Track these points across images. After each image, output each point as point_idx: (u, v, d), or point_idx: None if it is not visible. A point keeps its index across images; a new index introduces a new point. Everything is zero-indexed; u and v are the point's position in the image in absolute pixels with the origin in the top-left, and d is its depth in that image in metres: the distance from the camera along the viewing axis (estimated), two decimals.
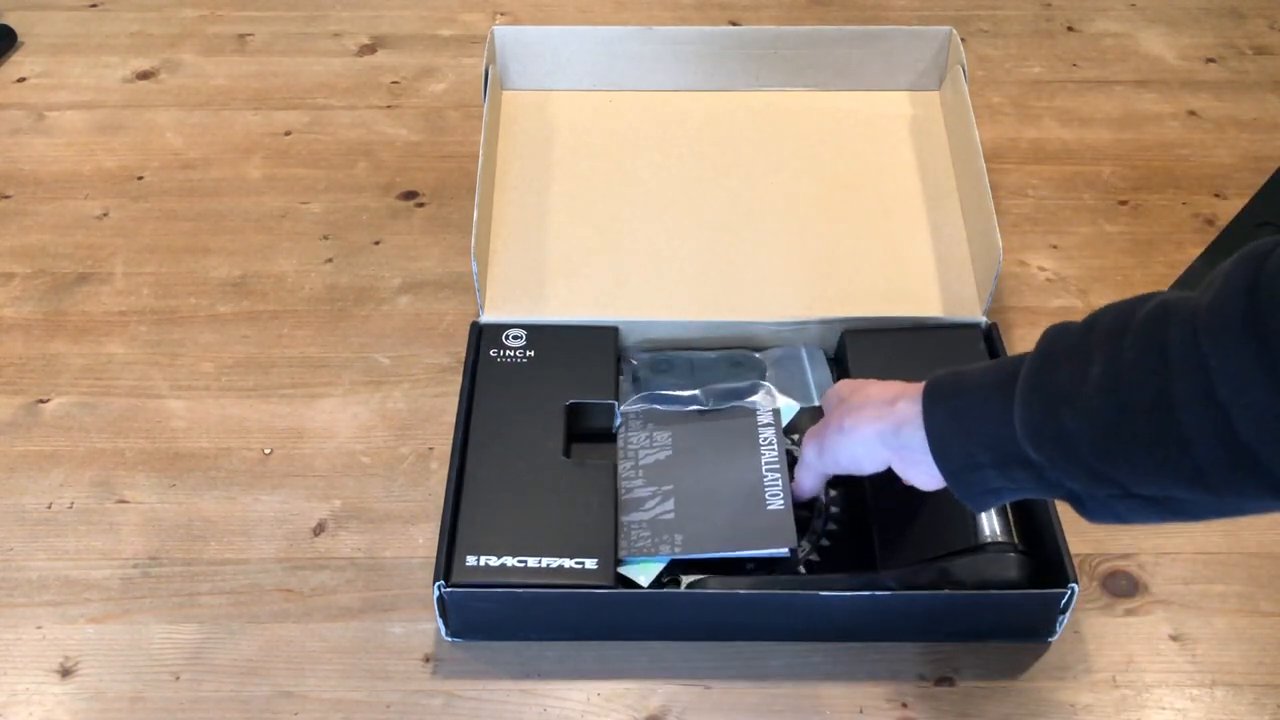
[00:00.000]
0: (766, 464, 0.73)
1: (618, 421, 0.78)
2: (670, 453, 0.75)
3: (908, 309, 0.82)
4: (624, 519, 0.71)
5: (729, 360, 0.82)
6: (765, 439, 0.75)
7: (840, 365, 0.82)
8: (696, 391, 0.78)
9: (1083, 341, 0.50)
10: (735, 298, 0.84)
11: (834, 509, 0.73)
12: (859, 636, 0.69)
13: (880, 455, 0.61)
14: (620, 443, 0.76)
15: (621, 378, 0.80)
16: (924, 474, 0.59)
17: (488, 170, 0.87)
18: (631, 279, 0.85)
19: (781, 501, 0.70)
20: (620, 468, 0.74)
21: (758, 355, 0.82)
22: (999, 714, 0.67)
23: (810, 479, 0.69)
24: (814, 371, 0.81)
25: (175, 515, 0.77)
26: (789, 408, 0.78)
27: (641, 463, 0.75)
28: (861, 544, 0.71)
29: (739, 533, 0.69)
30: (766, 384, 0.78)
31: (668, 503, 0.72)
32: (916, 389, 0.59)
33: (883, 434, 0.60)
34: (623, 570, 0.69)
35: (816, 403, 0.78)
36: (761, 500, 0.71)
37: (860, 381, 0.66)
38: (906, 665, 0.69)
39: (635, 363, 0.82)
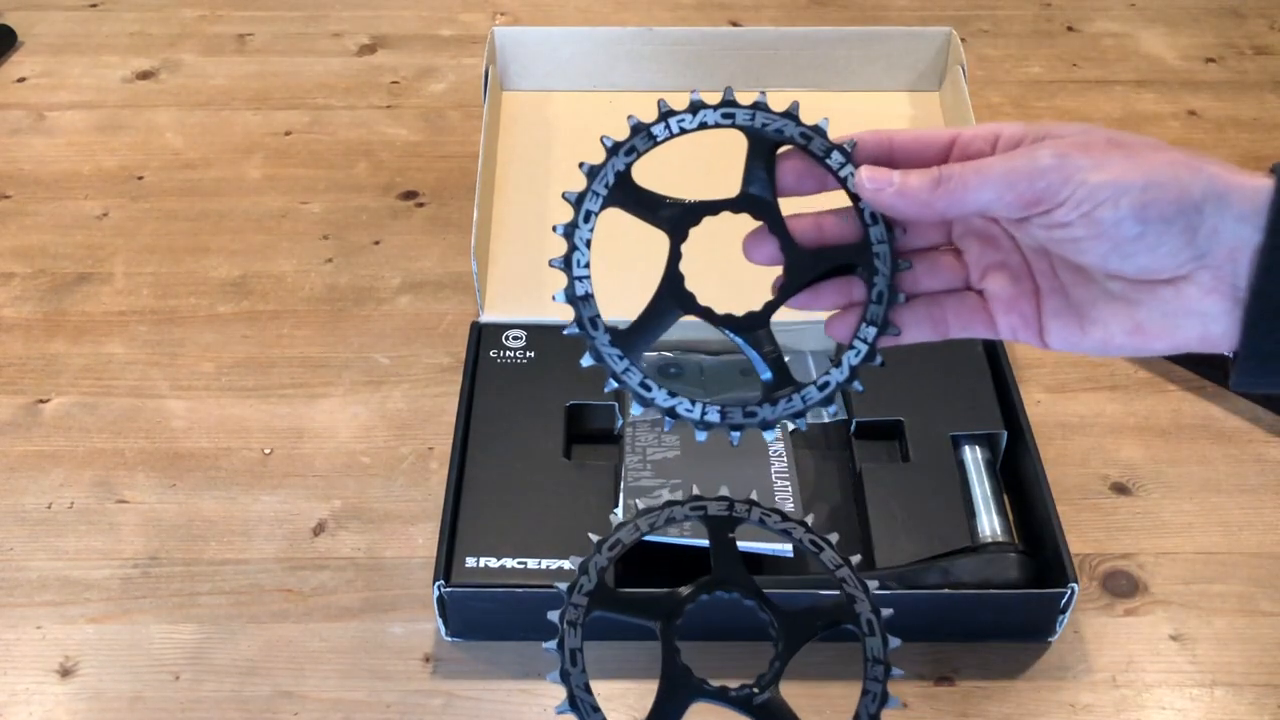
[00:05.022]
0: (776, 473, 0.73)
1: (619, 424, 0.78)
2: (679, 452, 0.75)
3: None
4: (630, 501, 0.70)
5: (740, 367, 0.82)
6: (775, 451, 0.74)
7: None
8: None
9: None
10: (736, 298, 0.84)
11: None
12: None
13: (1124, 230, 0.40)
14: (627, 439, 0.76)
15: None
16: (1167, 306, 0.41)
17: (488, 170, 0.87)
18: (631, 279, 0.85)
19: (791, 504, 0.70)
20: (627, 460, 0.74)
21: None
22: (999, 714, 0.67)
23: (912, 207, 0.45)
24: None
25: (175, 515, 0.77)
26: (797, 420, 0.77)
27: (650, 457, 0.74)
28: (863, 542, 0.71)
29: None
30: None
31: (676, 494, 0.72)
32: (1236, 169, 0.42)
33: (1159, 203, 0.39)
34: None
35: (823, 415, 0.78)
36: (772, 501, 0.70)
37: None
38: (906, 665, 0.68)
39: (644, 366, 0.81)
